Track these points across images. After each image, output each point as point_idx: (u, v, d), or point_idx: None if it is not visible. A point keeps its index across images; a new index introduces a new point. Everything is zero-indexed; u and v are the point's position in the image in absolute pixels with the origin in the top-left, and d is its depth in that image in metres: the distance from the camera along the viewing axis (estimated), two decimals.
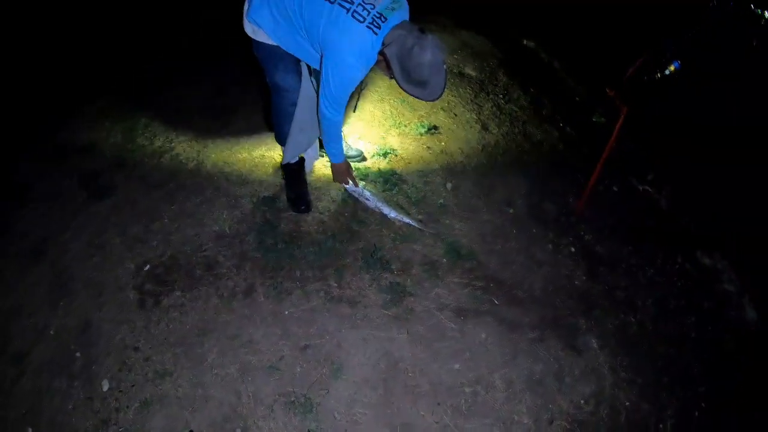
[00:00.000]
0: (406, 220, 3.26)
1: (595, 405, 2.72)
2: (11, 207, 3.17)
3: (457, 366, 2.69)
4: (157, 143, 3.68)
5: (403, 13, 2.59)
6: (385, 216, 3.26)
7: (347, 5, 2.45)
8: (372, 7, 2.47)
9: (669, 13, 3.76)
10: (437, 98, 2.59)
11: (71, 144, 3.62)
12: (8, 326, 2.66)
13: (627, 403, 2.78)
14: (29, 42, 4.75)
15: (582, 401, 2.72)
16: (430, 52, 2.42)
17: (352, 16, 2.45)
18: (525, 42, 5.67)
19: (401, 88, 2.57)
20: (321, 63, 2.61)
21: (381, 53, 2.54)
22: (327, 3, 2.46)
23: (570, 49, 5.39)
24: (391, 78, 2.64)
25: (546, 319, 2.99)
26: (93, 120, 3.87)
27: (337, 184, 3.40)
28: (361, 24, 2.46)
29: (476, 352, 2.76)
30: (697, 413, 2.88)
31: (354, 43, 2.49)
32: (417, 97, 2.60)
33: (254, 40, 2.75)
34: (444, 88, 2.55)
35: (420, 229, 3.25)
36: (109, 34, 4.99)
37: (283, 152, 3.21)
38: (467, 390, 2.62)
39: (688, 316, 3.25)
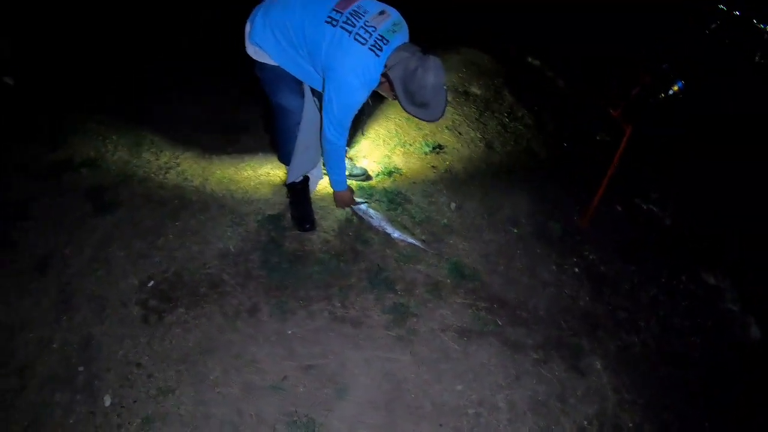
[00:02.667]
0: (410, 240, 3.27)
1: (599, 426, 2.72)
2: (14, 222, 3.15)
3: (460, 387, 2.68)
4: (163, 159, 3.69)
5: (404, 35, 2.63)
6: (388, 235, 3.27)
7: (349, 28, 2.48)
8: (374, 29, 2.50)
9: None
10: (438, 119, 2.64)
11: (75, 158, 3.62)
12: (11, 340, 2.64)
13: (630, 424, 2.78)
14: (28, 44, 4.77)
15: (585, 422, 2.72)
16: (433, 75, 2.45)
17: (354, 38, 2.48)
18: (530, 60, 5.70)
19: (404, 109, 2.61)
20: (323, 86, 2.63)
21: (384, 75, 2.57)
22: (329, 26, 2.49)
23: (574, 66, 5.42)
24: (393, 99, 2.68)
25: (550, 340, 3.00)
26: (97, 133, 3.87)
27: None
28: (363, 46, 2.49)
29: (479, 373, 2.76)
30: None
31: (357, 66, 2.51)
32: (419, 118, 2.65)
33: (257, 61, 2.78)
34: (444, 109, 2.60)
35: (423, 249, 3.25)
36: (110, 40, 5.03)
37: (288, 172, 3.22)
38: (470, 412, 2.61)
39: (691, 336, 3.26)
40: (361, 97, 2.65)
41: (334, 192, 3.24)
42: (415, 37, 2.65)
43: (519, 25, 5.99)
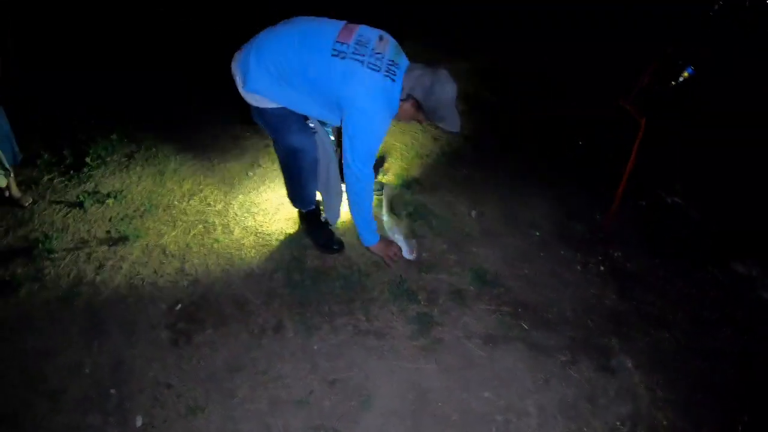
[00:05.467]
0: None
1: (632, 426, 2.67)
2: (42, 255, 3.22)
3: (486, 394, 2.67)
4: (186, 186, 3.76)
5: (404, 55, 2.62)
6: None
7: (360, 57, 2.44)
8: (381, 55, 2.48)
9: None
10: (458, 130, 2.65)
11: (101, 189, 3.70)
12: (43, 366, 2.69)
13: (665, 422, 2.72)
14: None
15: (618, 423, 2.67)
16: (450, 88, 2.48)
17: (368, 67, 2.44)
18: (544, 59, 5.70)
19: (435, 124, 2.63)
20: (343, 122, 2.55)
21: (405, 99, 2.54)
22: (337, 59, 2.44)
23: (584, 62, 5.42)
24: (414, 121, 2.70)
25: (577, 341, 2.97)
26: (122, 165, 3.96)
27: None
28: (379, 73, 2.46)
29: (506, 378, 2.75)
30: (740, 428, 2.80)
31: (377, 93, 2.47)
32: (448, 131, 2.66)
33: (256, 107, 2.70)
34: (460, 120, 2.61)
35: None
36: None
37: (326, 213, 3.24)
38: (498, 418, 2.59)
39: (722, 329, 3.18)
40: (386, 124, 2.61)
41: (368, 247, 3.07)
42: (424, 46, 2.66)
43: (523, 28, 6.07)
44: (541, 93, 5.28)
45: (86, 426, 2.49)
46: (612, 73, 4.93)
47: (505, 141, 4.46)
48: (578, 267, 3.37)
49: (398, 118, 2.70)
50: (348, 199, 2.85)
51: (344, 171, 2.68)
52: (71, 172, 3.77)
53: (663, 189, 4.03)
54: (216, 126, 4.43)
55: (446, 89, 2.47)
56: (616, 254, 3.49)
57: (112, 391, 2.61)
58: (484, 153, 4.27)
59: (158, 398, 2.58)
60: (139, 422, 2.50)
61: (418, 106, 2.55)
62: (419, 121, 2.72)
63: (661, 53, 3.20)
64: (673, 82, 3.16)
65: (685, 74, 3.12)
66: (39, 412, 2.53)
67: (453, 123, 2.59)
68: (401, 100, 2.55)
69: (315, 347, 2.80)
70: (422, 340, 2.87)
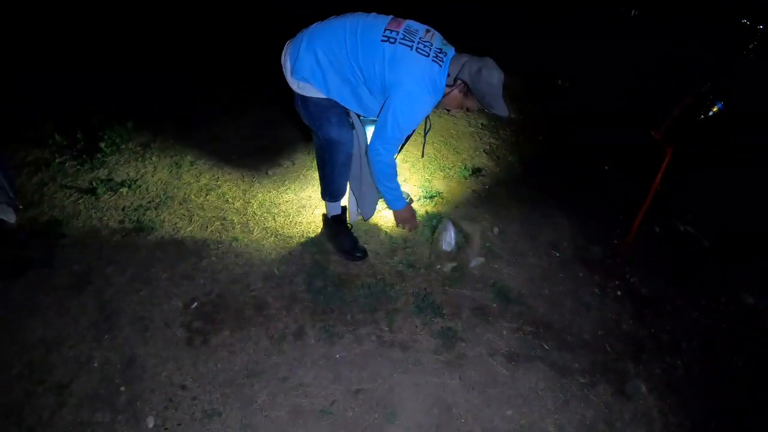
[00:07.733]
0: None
1: None
2: (52, 239, 3.13)
3: (509, 412, 2.63)
4: (203, 180, 3.69)
5: (451, 46, 2.65)
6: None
7: (409, 43, 2.49)
8: (430, 44, 2.53)
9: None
10: (508, 114, 2.68)
11: (115, 177, 3.62)
12: (49, 357, 2.60)
13: None
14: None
15: None
16: (497, 72, 2.50)
17: (417, 51, 2.49)
18: (560, 82, 5.73)
19: (487, 108, 2.63)
20: (384, 104, 2.59)
21: (452, 84, 2.59)
22: (387, 44, 2.49)
23: (606, 88, 5.47)
24: (461, 110, 2.77)
25: (596, 364, 2.95)
26: (137, 154, 3.88)
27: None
28: (427, 58, 2.50)
29: (528, 397, 2.71)
30: None
31: (424, 76, 2.51)
32: (498, 114, 2.64)
33: (301, 95, 2.71)
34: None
35: None
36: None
37: (361, 208, 3.24)
38: None
39: (734, 357, 3.19)
40: (428, 108, 2.64)
41: (394, 212, 3.11)
42: None
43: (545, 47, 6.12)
44: (566, 112, 5.31)
45: (94, 423, 2.40)
46: (612, 73, 4.99)
47: (527, 157, 4.47)
48: (596, 290, 3.36)
49: (446, 105, 2.75)
50: (372, 173, 2.88)
51: (369, 148, 2.74)
52: (84, 156, 3.69)
53: (676, 217, 4.07)
54: (233, 124, 4.39)
55: (493, 74, 2.49)
56: (632, 279, 3.49)
57: (122, 388, 2.53)
58: (507, 168, 4.27)
59: (172, 400, 2.50)
60: (150, 423, 2.42)
61: (467, 91, 2.60)
62: (467, 109, 2.78)
63: (698, 89, 3.22)
64: (702, 116, 3.18)
65: (715, 109, 3.16)
66: (44, 406, 2.43)
67: (501, 108, 2.60)
68: (448, 85, 2.60)
69: (337, 356, 2.74)
70: (446, 354, 2.82)
